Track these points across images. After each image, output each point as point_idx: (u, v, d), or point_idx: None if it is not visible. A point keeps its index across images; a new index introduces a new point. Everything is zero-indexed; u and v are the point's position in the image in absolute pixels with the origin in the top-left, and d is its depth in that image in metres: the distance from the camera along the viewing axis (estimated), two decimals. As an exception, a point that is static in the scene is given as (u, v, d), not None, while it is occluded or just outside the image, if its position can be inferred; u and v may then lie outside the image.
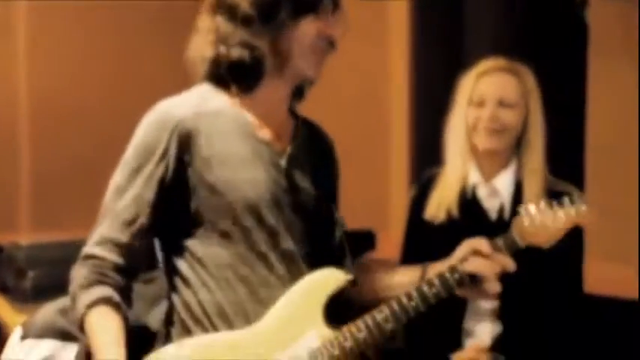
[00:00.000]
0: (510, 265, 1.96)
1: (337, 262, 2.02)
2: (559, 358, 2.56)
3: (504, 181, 2.59)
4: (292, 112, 2.08)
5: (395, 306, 1.89)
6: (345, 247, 2.13)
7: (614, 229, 3.14)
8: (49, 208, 3.80)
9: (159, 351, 1.88)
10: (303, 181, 2.00)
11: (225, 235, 1.90)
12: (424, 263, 2.06)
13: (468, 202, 2.61)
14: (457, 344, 2.55)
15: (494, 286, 1.95)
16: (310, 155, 2.04)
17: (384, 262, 3.51)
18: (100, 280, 1.86)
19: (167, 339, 1.95)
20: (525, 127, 2.60)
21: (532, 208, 2.01)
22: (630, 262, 3.09)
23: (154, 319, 2.05)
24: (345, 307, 1.97)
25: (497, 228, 2.58)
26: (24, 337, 2.28)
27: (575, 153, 3.23)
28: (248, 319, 1.89)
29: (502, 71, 2.61)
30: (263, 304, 1.90)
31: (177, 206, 1.91)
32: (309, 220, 2.00)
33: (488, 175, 2.62)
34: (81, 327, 1.87)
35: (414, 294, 1.91)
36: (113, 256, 1.88)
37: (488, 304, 2.53)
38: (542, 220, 2.00)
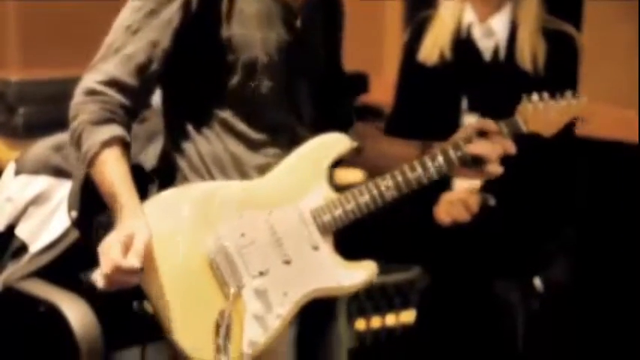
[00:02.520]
0: (512, 148, 1.98)
1: (343, 128, 2.01)
2: (553, 199, 2.60)
3: (500, 21, 2.55)
4: None
5: (398, 176, 1.92)
6: (353, 115, 2.12)
7: (615, 71, 3.13)
8: (39, 45, 3.74)
9: (160, 194, 1.89)
10: (316, 43, 1.98)
11: (230, 92, 1.88)
12: (425, 141, 2.06)
13: (462, 43, 2.58)
14: (447, 186, 2.58)
15: (496, 169, 1.97)
16: (323, 12, 2.02)
17: (379, 108, 3.52)
18: (112, 118, 1.82)
19: (163, 188, 1.94)
20: None
21: (536, 96, 2.02)
22: (631, 104, 3.10)
23: (148, 157, 2.06)
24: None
25: (491, 69, 2.58)
26: (17, 172, 2.29)
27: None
28: (245, 175, 1.90)
29: None
30: (261, 162, 1.90)
31: (188, 57, 1.87)
32: (318, 84, 1.98)
33: (483, 16, 2.57)
34: (89, 163, 1.82)
35: (417, 166, 1.93)
36: (121, 97, 1.83)
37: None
38: (545, 109, 2.01)
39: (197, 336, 1.79)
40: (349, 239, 1.98)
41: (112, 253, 1.72)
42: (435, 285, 2.69)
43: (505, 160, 2.10)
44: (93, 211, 2.16)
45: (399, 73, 2.74)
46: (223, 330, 1.76)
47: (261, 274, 1.83)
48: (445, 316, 2.64)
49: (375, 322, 3.07)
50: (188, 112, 1.92)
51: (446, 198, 2.53)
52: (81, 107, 1.82)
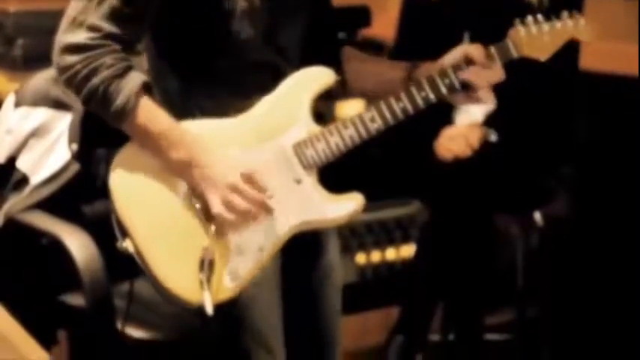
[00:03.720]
0: (501, 75, 1.90)
1: (329, 62, 1.94)
2: (553, 133, 2.60)
3: None
4: None
5: (383, 107, 1.86)
6: (339, 50, 2.06)
7: (615, 5, 3.10)
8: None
9: None
10: None
11: (211, 40, 1.82)
12: (413, 62, 1.98)
13: (466, -23, 2.56)
14: (448, 121, 2.57)
15: (487, 96, 1.91)
16: None
17: (380, 43, 3.49)
18: (129, 66, 1.76)
19: None
20: None
21: (529, 19, 1.93)
22: (631, 39, 3.08)
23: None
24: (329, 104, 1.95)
25: (493, 3, 2.55)
26: (17, 104, 2.27)
27: None
28: (227, 116, 1.84)
29: None
30: (243, 103, 1.85)
31: (167, 8, 1.80)
32: (305, 23, 1.93)
33: None
34: (128, 114, 1.74)
35: (403, 96, 1.86)
36: (122, 47, 1.77)
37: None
38: (538, 32, 1.92)
39: (181, 274, 1.78)
40: (347, 174, 1.97)
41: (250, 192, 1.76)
42: (435, 219, 2.70)
43: (506, 92, 2.07)
44: (93, 144, 2.16)
45: (401, 9, 2.71)
46: (206, 266, 1.77)
47: None
48: (445, 250, 2.66)
49: (375, 256, 3.08)
50: (172, 60, 1.86)
51: (447, 133, 2.53)
52: (94, 65, 1.73)
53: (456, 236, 2.62)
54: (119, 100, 1.74)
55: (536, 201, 2.68)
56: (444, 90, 1.88)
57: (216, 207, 1.76)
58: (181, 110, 1.83)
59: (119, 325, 2.08)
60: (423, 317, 2.74)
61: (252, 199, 1.77)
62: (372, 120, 1.86)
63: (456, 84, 1.88)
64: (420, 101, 1.87)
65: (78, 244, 2.07)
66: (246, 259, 1.81)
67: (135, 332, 2.11)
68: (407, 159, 2.69)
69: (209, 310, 1.76)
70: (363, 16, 3.61)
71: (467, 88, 1.90)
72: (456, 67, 1.89)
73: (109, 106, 1.74)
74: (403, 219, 3.11)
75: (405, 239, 3.10)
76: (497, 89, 2.40)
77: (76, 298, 2.16)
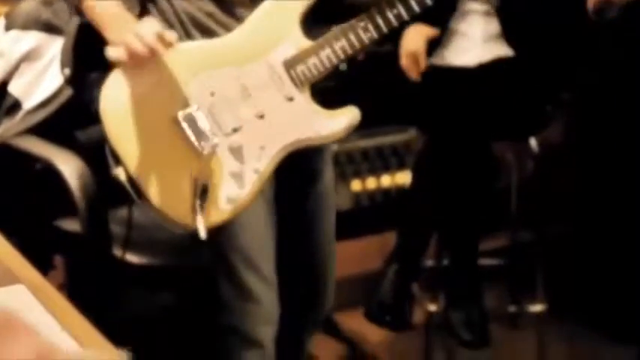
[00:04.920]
0: None
1: None
2: (555, 60, 2.58)
3: None
4: None
5: (375, 15, 1.79)
6: None
7: None
8: None
9: None
10: None
11: None
12: None
13: None
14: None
15: None
16: None
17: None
18: None
19: None
20: None
21: None
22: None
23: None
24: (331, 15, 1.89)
25: None
26: (8, 27, 2.25)
27: None
28: (217, 34, 1.82)
29: None
30: (235, 22, 1.81)
31: None
32: None
33: None
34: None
35: (397, 3, 1.78)
36: None
37: (480, 6, 2.50)
38: None
39: (175, 198, 1.77)
40: (344, 101, 1.95)
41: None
42: (431, 146, 2.68)
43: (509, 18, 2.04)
44: (86, 68, 2.13)
45: None
46: (198, 190, 1.75)
47: (235, 130, 1.78)
48: (440, 176, 2.65)
49: (371, 183, 3.08)
50: None
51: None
52: None
53: (452, 163, 2.61)
54: None
55: (534, 127, 2.66)
56: None
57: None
58: (178, 27, 1.81)
59: (115, 251, 2.08)
60: (419, 245, 2.75)
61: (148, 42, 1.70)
62: (365, 30, 1.79)
63: None
64: (415, 5, 1.78)
65: (72, 170, 2.06)
66: (241, 181, 1.79)
67: (132, 257, 2.11)
68: (403, 86, 2.67)
69: (202, 234, 1.75)
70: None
71: None
72: None
73: None
74: (399, 146, 3.11)
75: (401, 166, 3.10)
76: (500, 13, 2.38)
77: (71, 224, 2.15)
